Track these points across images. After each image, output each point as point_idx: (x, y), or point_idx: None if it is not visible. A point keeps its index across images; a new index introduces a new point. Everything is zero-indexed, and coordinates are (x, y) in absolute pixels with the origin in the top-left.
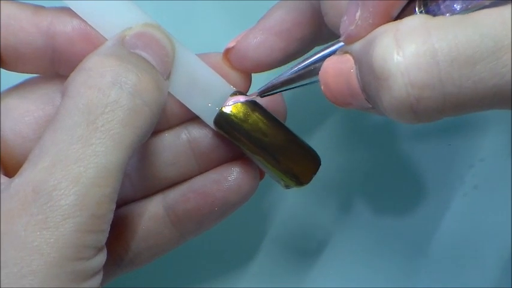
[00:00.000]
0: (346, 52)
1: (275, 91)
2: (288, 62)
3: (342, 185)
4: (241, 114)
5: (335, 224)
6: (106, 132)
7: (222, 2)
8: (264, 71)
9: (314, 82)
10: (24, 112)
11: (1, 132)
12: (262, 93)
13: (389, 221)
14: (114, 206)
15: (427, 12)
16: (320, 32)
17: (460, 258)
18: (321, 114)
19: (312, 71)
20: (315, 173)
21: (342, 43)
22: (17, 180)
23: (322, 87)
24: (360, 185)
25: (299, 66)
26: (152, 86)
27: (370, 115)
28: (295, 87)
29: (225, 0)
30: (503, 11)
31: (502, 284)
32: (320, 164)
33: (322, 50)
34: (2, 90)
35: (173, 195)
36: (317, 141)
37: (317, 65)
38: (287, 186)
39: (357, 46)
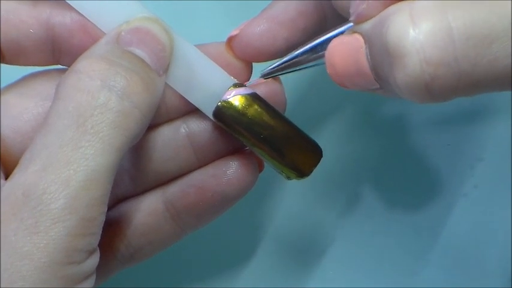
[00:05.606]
0: (354, 32)
1: (279, 73)
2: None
3: (342, 181)
4: (241, 106)
5: (334, 222)
6: (95, 135)
7: (222, 2)
8: (266, 61)
9: (319, 64)
10: (22, 109)
11: (0, 130)
12: (266, 76)
13: (389, 221)
14: (105, 209)
15: None
16: (324, 23)
17: (460, 258)
18: (322, 108)
19: (316, 53)
20: (316, 165)
21: (348, 25)
22: (8, 184)
23: (327, 68)
24: (358, 185)
25: (304, 48)
26: (142, 88)
27: (371, 112)
28: (299, 69)
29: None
30: None
31: (502, 284)
32: (322, 156)
33: (328, 33)
34: (0, 87)
35: (172, 190)
36: (317, 136)
37: (323, 46)
38: (288, 178)
39: (367, 25)
